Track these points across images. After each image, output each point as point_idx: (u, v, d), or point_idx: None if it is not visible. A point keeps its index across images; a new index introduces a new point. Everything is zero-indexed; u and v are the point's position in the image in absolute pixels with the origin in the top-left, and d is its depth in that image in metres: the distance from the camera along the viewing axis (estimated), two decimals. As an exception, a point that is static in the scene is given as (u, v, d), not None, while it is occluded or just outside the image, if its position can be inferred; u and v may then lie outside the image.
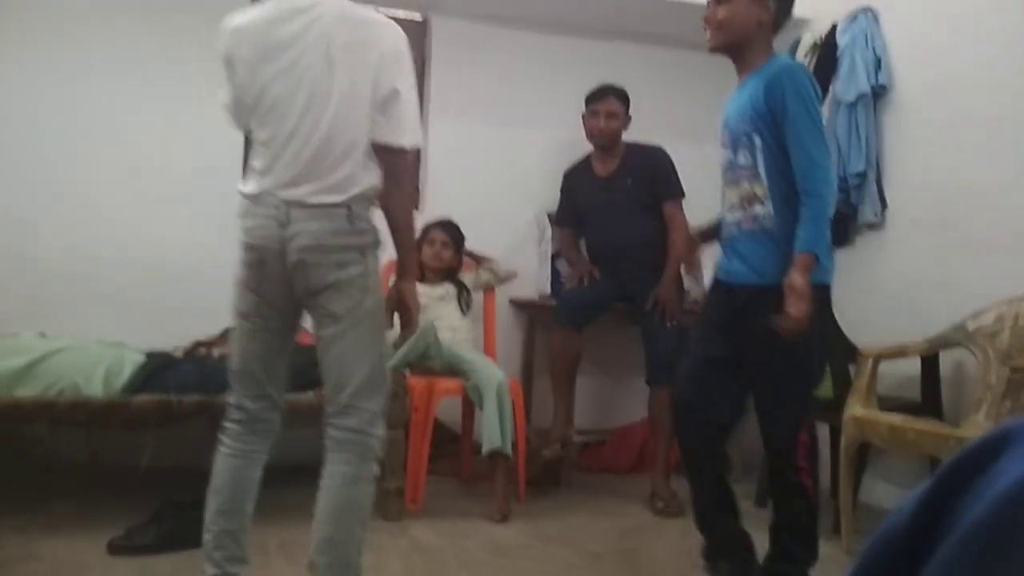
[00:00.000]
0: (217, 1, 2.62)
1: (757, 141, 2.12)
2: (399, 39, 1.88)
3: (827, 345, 2.31)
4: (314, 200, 1.82)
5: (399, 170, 1.89)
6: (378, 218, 1.93)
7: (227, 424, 1.97)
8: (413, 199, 1.96)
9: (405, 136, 1.86)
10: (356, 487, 1.87)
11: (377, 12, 1.93)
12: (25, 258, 3.38)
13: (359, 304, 1.85)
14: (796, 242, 2.05)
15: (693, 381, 2.28)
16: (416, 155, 1.90)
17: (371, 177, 1.87)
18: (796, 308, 2.01)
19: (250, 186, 1.89)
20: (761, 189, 2.13)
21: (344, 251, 1.83)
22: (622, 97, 3.54)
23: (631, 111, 3.57)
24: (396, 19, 3.92)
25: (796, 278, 2.02)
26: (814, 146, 2.05)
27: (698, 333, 2.36)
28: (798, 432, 2.16)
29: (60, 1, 3.44)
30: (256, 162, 1.88)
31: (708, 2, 2.21)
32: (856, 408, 2.71)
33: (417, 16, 4.02)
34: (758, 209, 2.15)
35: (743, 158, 2.16)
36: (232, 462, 1.94)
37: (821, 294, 2.12)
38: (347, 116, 1.82)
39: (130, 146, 3.51)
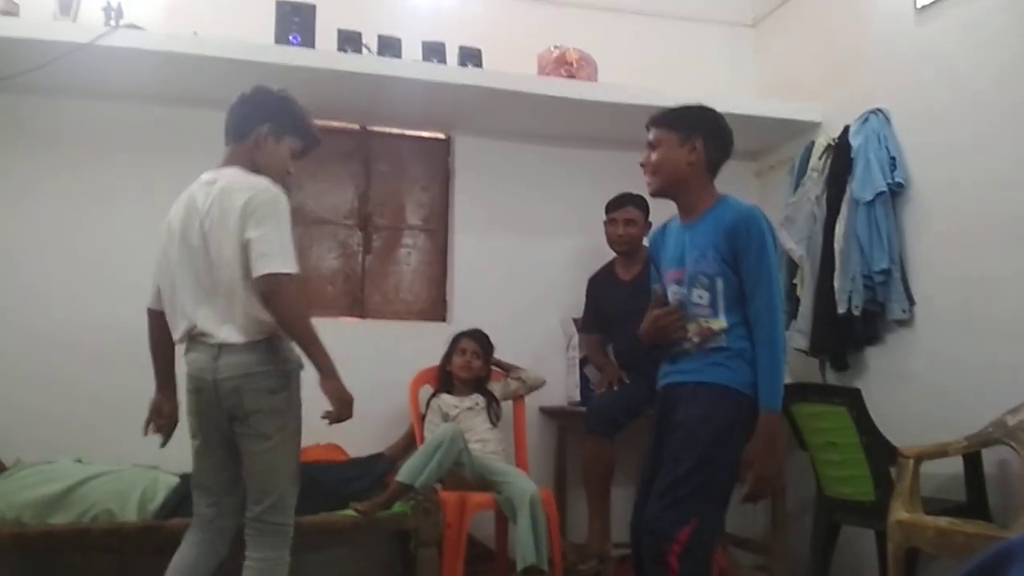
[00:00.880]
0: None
1: (719, 283, 2.21)
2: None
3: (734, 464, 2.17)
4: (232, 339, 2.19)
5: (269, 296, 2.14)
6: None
7: (190, 525, 2.33)
8: (301, 313, 2.21)
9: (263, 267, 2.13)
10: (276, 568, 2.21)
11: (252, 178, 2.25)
12: (65, 382, 3.44)
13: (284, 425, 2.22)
14: (760, 396, 2.14)
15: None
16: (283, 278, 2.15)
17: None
18: (764, 468, 2.11)
19: None
20: (719, 325, 2.21)
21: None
22: (640, 204, 3.62)
23: (651, 218, 3.64)
24: (421, 138, 4.15)
25: (759, 446, 2.11)
26: (770, 295, 2.18)
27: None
28: (684, 524, 2.07)
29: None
30: None
31: (646, 151, 2.34)
32: (900, 512, 2.63)
33: (441, 135, 4.17)
34: (714, 343, 2.21)
35: (699, 297, 2.23)
36: (185, 552, 2.29)
37: (749, 407, 2.15)
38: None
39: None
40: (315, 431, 3.63)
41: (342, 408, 2.25)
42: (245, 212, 2.14)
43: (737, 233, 2.19)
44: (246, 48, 3.32)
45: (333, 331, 3.83)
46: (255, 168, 2.27)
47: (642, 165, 2.35)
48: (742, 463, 2.12)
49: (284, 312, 2.15)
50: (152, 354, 2.44)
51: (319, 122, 4.02)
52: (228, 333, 2.17)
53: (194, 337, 2.23)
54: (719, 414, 2.15)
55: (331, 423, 2.28)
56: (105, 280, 3.53)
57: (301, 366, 2.28)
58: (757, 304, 2.18)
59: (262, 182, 2.22)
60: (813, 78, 4.03)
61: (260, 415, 2.18)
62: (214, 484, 2.32)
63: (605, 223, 3.68)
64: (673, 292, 2.31)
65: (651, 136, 2.34)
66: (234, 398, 2.18)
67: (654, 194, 2.36)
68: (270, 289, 2.13)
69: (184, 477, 3.02)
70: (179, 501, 2.88)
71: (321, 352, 2.20)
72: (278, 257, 2.14)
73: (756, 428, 2.13)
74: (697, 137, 2.30)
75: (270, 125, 2.30)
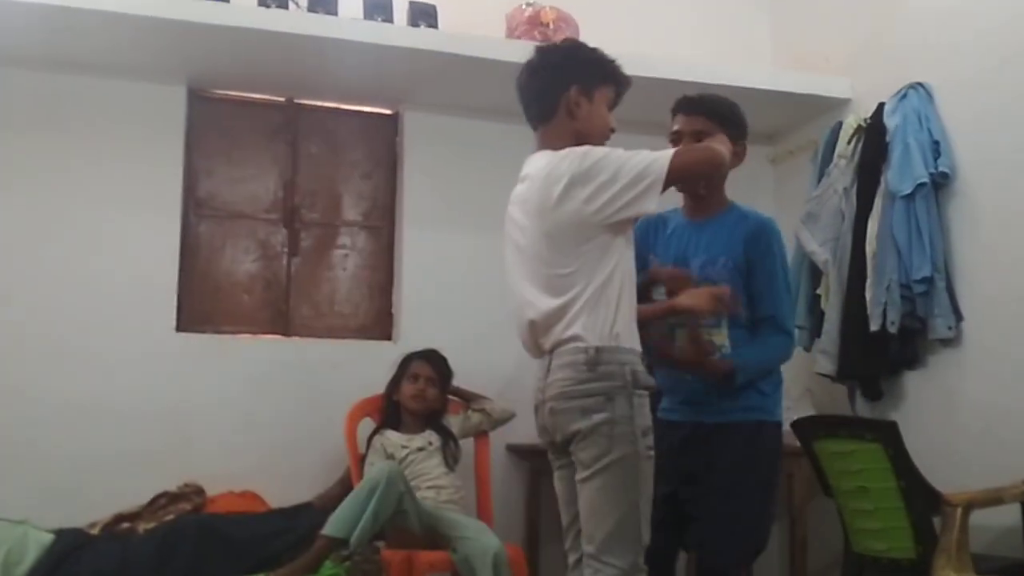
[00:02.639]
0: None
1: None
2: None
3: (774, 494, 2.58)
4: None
5: None
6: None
7: None
8: None
9: None
10: None
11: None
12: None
13: (599, 450, 2.11)
14: (738, 353, 2.41)
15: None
16: None
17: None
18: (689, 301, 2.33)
19: None
20: (720, 338, 2.42)
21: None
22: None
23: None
24: (362, 114, 4.13)
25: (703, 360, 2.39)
26: (788, 313, 2.55)
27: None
28: (749, 559, 2.49)
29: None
30: None
31: (682, 140, 2.49)
32: (947, 572, 2.64)
33: (386, 110, 4.16)
34: (714, 358, 2.41)
35: None
36: None
37: (774, 432, 2.50)
38: None
39: (31, 282, 3.56)
40: (228, 476, 3.62)
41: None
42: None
43: (757, 242, 2.47)
44: (149, 4, 3.27)
45: (250, 352, 3.87)
46: (578, 140, 2.26)
47: None
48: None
49: None
50: None
51: (235, 93, 4.11)
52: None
53: None
54: (759, 453, 2.47)
55: None
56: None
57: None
58: (773, 315, 2.48)
59: (570, 151, 2.22)
60: (840, 47, 4.06)
61: (581, 440, 2.15)
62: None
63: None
64: (661, 293, 2.46)
65: (693, 125, 2.48)
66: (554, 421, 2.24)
67: (684, 191, 2.54)
68: None
69: (59, 533, 2.96)
70: (54, 564, 2.83)
71: None
72: None
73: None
74: (743, 140, 2.53)
75: (577, 86, 2.28)
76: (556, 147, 2.25)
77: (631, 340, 2.15)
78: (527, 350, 2.29)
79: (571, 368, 2.12)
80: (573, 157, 2.17)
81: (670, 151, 2.20)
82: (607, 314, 2.12)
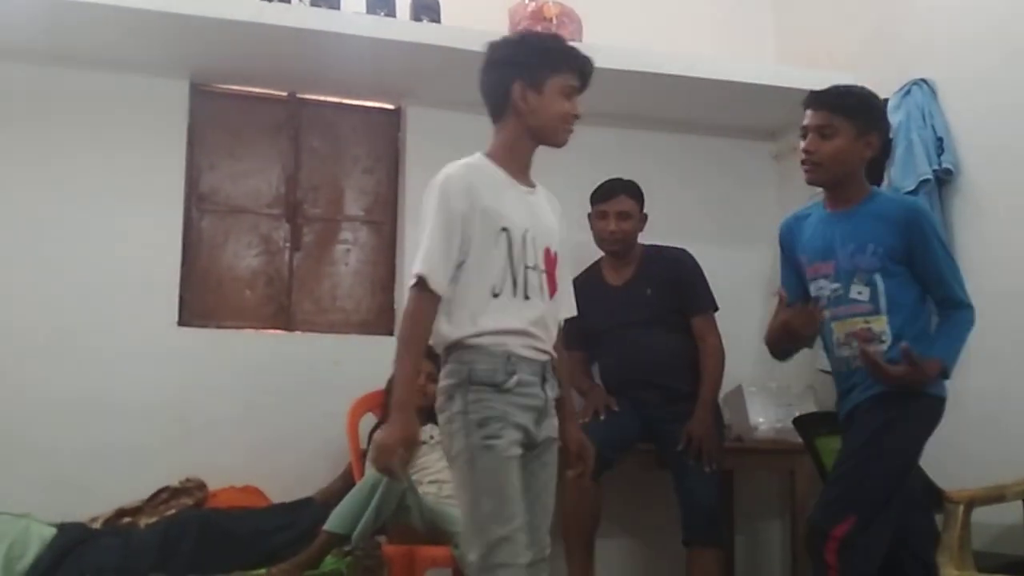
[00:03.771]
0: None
1: (879, 280, 2.49)
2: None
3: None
4: None
5: None
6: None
7: None
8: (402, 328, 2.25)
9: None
10: None
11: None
12: None
13: (449, 447, 2.20)
14: (932, 346, 2.44)
15: None
16: (416, 285, 2.20)
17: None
18: (894, 374, 2.39)
19: None
20: (880, 325, 2.49)
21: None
22: (635, 194, 3.62)
23: (646, 207, 3.65)
24: (364, 108, 4.13)
25: (915, 371, 2.38)
26: (960, 285, 2.54)
27: None
28: (839, 520, 2.38)
29: None
30: None
31: (808, 135, 2.53)
32: (949, 569, 2.64)
33: (389, 105, 4.16)
34: (874, 347, 2.45)
35: (858, 293, 2.51)
36: None
37: (937, 407, 2.52)
38: None
39: (33, 276, 3.57)
40: (230, 470, 3.63)
41: (376, 456, 2.24)
42: None
43: (910, 226, 2.49)
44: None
45: (252, 347, 3.87)
46: (533, 137, 2.30)
47: (807, 152, 2.53)
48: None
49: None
50: None
51: (237, 88, 4.11)
52: None
53: None
54: (888, 409, 2.46)
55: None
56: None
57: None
58: (947, 296, 2.51)
59: (442, 171, 2.29)
60: (844, 42, 4.06)
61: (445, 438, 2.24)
62: None
63: (591, 216, 3.67)
64: (819, 287, 2.57)
65: (819, 120, 2.52)
66: None
67: (813, 184, 2.60)
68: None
69: (61, 528, 2.97)
70: (57, 558, 2.84)
71: (399, 381, 2.23)
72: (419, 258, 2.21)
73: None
74: (874, 132, 2.54)
75: (522, 81, 2.25)
76: (506, 143, 2.31)
77: (487, 339, 2.18)
78: None
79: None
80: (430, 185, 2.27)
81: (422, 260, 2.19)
82: (460, 314, 2.18)
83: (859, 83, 3.85)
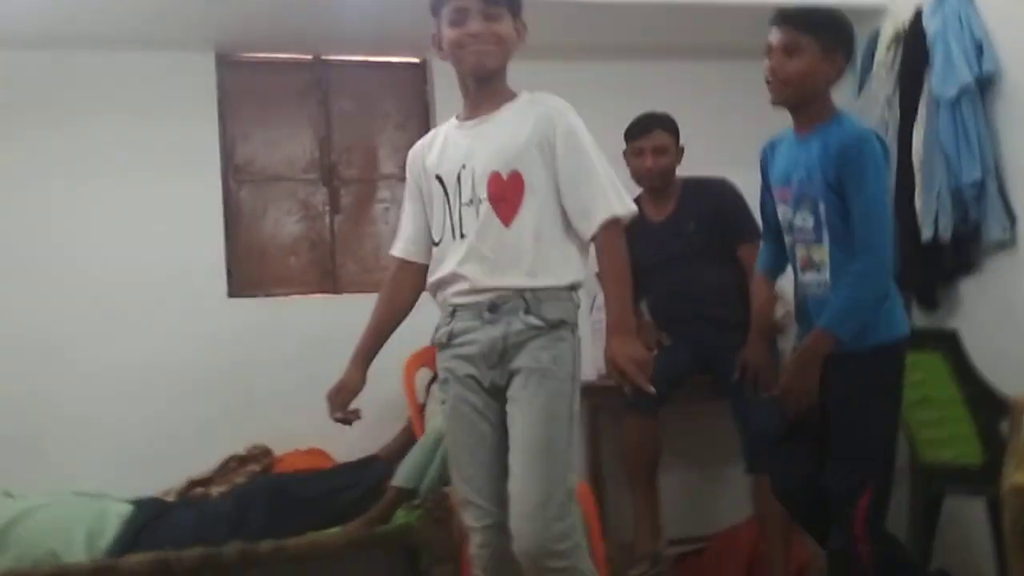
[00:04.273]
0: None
1: (822, 207, 2.46)
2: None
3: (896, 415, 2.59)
4: None
5: None
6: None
7: None
8: None
9: None
10: None
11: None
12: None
13: None
14: (826, 315, 2.42)
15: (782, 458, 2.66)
16: None
17: None
18: (787, 380, 2.48)
19: None
20: (820, 255, 2.49)
21: None
22: (670, 127, 3.59)
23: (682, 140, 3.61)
24: (390, 64, 4.10)
25: (795, 359, 2.49)
26: (877, 229, 2.42)
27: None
28: (858, 493, 2.41)
29: None
30: None
31: (772, 53, 2.49)
32: (1017, 475, 2.64)
33: (414, 59, 4.14)
34: (816, 276, 2.51)
35: (802, 219, 2.52)
36: None
37: (894, 354, 2.48)
38: None
39: (83, 260, 3.62)
40: (293, 435, 3.68)
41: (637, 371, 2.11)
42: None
43: (844, 159, 2.41)
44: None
45: (302, 312, 3.91)
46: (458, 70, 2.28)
47: (772, 71, 2.50)
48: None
49: None
50: None
51: (263, 55, 4.10)
52: None
53: None
54: (855, 375, 2.44)
55: None
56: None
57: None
58: (858, 237, 2.41)
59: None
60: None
61: None
62: None
63: (626, 153, 3.64)
64: (782, 212, 2.60)
65: (785, 38, 2.48)
66: None
67: (777, 103, 2.54)
68: None
69: (137, 504, 3.04)
70: (135, 533, 2.90)
71: None
72: None
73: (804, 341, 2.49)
74: (840, 50, 2.50)
75: (436, 20, 2.25)
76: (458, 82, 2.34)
77: (437, 295, 2.34)
78: None
79: None
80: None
81: None
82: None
83: (893, -10, 3.82)
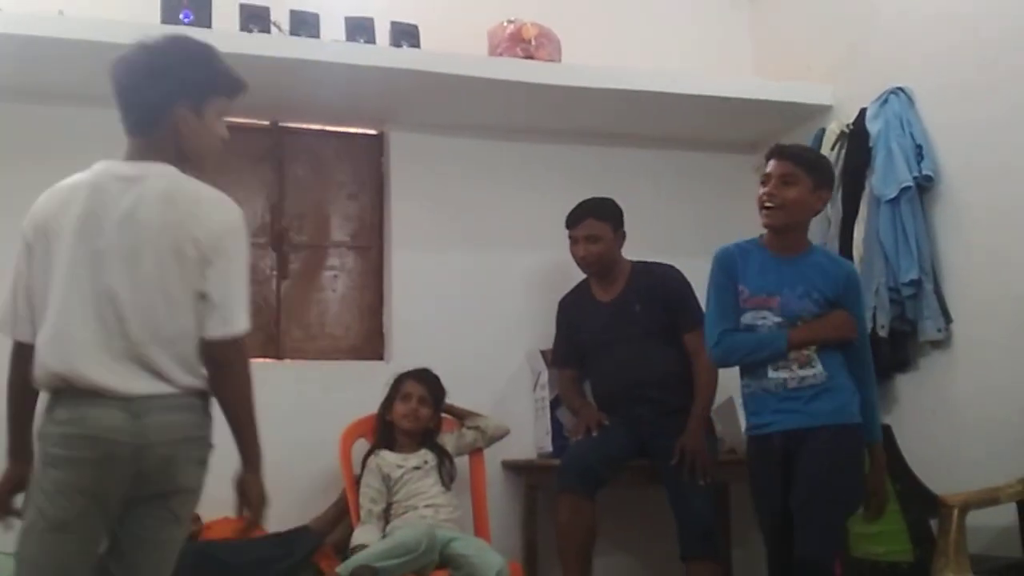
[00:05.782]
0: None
1: (810, 318, 2.69)
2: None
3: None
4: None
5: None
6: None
7: None
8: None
9: None
10: None
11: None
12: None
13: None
14: (870, 430, 2.71)
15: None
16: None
17: None
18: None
19: None
20: (804, 356, 2.68)
21: None
22: (603, 214, 3.63)
23: (630, 224, 3.66)
24: (347, 135, 4.13)
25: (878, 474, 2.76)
26: (868, 345, 2.84)
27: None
28: (833, 560, 2.56)
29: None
30: None
31: (771, 181, 2.72)
32: (946, 574, 2.65)
33: (371, 131, 4.17)
34: (790, 373, 2.67)
35: (789, 327, 2.69)
36: None
37: (861, 434, 2.69)
38: None
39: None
40: (223, 501, 3.59)
41: (260, 509, 2.21)
42: (208, 242, 2.02)
43: (850, 283, 2.78)
44: (124, 29, 3.26)
45: (243, 376, 3.85)
46: (181, 157, 2.09)
47: (770, 195, 2.71)
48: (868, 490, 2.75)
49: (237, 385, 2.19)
50: (11, 403, 2.11)
51: (220, 118, 4.09)
52: (151, 383, 1.99)
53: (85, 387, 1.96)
54: (844, 450, 2.65)
55: (247, 528, 2.29)
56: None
57: None
58: (863, 352, 2.76)
59: (222, 198, 2.10)
60: (821, 53, 4.09)
61: (186, 495, 2.12)
62: None
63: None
64: (762, 316, 2.72)
65: (783, 169, 2.72)
66: (167, 470, 2.03)
67: (769, 226, 2.76)
68: (225, 356, 2.09)
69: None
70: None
71: (256, 438, 2.19)
72: (241, 310, 2.07)
73: (873, 460, 2.75)
74: (825, 187, 2.79)
75: (187, 102, 2.09)
76: (167, 160, 2.08)
77: None
78: None
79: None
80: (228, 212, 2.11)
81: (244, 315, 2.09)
82: None
83: (837, 94, 3.95)
